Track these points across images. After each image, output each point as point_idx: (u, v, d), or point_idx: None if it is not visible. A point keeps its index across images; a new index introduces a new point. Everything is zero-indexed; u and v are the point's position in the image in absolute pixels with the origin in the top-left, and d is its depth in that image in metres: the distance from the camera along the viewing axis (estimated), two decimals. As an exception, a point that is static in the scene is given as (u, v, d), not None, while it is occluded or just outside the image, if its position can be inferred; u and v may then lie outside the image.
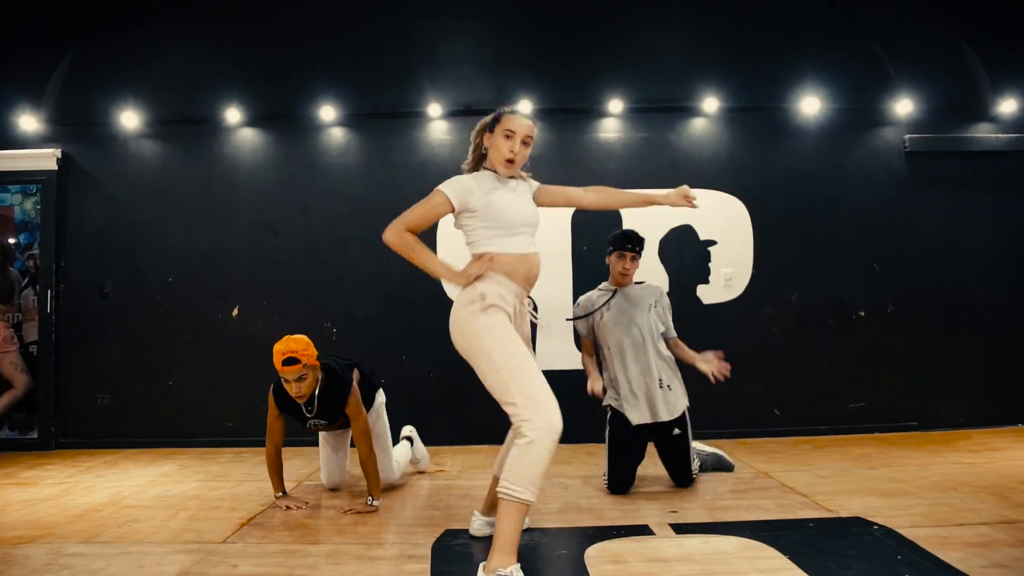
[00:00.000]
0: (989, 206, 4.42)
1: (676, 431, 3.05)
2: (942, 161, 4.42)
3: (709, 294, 4.33)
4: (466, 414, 4.06)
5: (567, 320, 3.20)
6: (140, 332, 4.38)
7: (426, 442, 3.59)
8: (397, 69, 4.42)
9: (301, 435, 3.20)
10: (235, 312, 4.37)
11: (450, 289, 4.08)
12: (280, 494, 2.90)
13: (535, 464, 1.94)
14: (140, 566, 2.22)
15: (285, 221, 4.40)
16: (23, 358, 4.42)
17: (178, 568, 2.20)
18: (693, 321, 4.08)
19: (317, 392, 2.79)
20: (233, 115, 4.40)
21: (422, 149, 4.40)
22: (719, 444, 3.72)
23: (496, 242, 2.17)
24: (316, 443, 3.22)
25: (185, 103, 4.43)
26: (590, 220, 4.20)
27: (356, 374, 2.95)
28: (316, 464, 3.47)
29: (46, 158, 4.40)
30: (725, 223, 4.35)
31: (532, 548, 2.30)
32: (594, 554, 2.25)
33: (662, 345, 3.12)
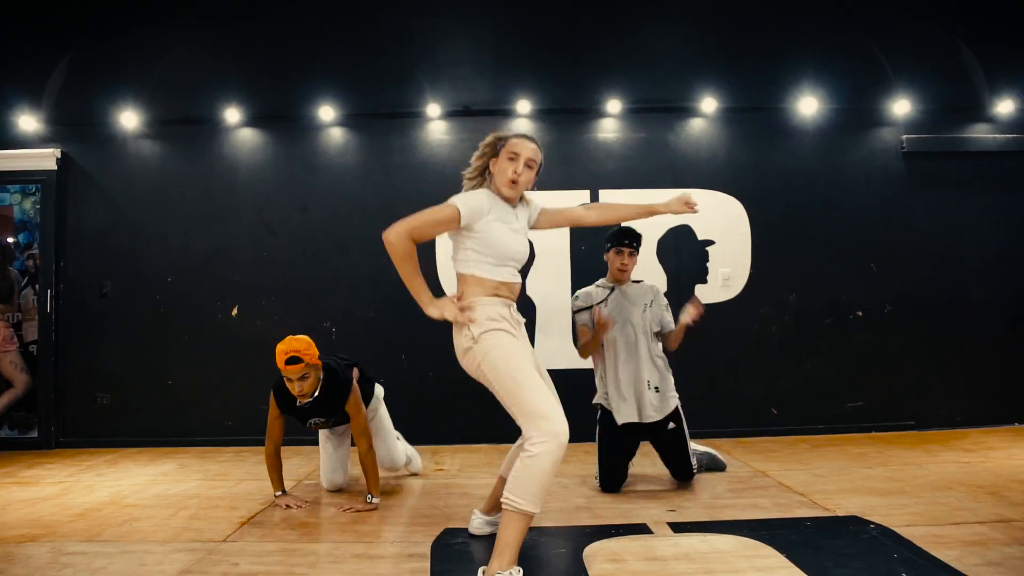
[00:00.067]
0: (986, 206, 4.44)
1: (671, 425, 3.07)
2: (939, 161, 4.43)
3: (707, 294, 4.34)
4: (465, 413, 4.07)
5: (573, 311, 3.18)
6: (140, 332, 4.38)
7: (426, 441, 3.61)
8: (396, 69, 4.42)
9: (300, 434, 3.21)
10: (235, 312, 4.38)
11: (449, 285, 4.10)
12: (279, 493, 2.92)
13: (539, 477, 1.95)
14: (142, 565, 2.23)
15: (284, 221, 4.41)
16: (23, 357, 4.42)
17: (179, 567, 2.21)
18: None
19: (318, 391, 2.81)
20: (232, 115, 4.40)
21: (421, 149, 4.41)
22: (717, 443, 3.75)
23: (483, 268, 2.18)
24: (316, 442, 3.24)
25: (184, 103, 4.43)
26: (589, 220, 4.21)
27: (355, 373, 2.98)
28: (315, 463, 3.49)
29: (46, 158, 4.40)
30: (723, 223, 4.36)
31: (531, 547, 2.31)
32: (592, 553, 2.27)
33: (656, 345, 3.13)
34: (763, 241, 4.37)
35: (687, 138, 4.46)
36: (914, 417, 4.33)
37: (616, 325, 3.06)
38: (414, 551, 2.32)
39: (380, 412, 3.19)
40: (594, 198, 4.35)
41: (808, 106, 4.39)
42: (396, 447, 3.22)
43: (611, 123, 4.44)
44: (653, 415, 3.02)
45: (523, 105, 4.36)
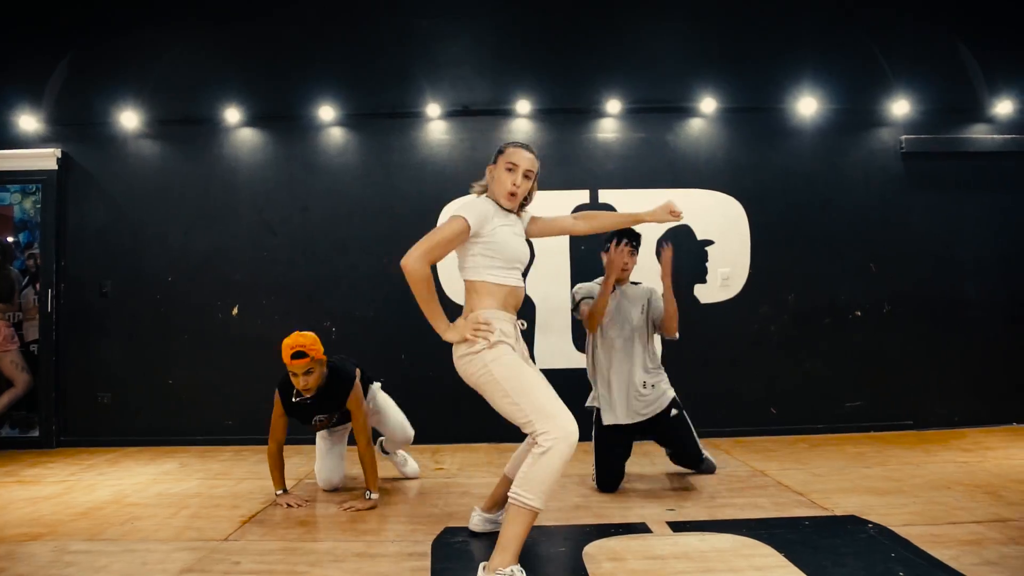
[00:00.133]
0: (985, 207, 4.45)
1: (673, 412, 3.08)
2: (938, 162, 4.44)
3: (706, 294, 4.35)
4: (465, 412, 4.07)
5: (575, 306, 3.18)
6: (140, 331, 4.39)
7: (426, 441, 3.62)
8: (396, 69, 4.43)
9: (301, 434, 3.22)
10: (235, 311, 4.39)
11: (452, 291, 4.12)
12: (281, 492, 2.93)
13: (548, 472, 1.98)
14: (144, 563, 2.25)
15: (284, 221, 4.42)
16: (24, 357, 4.43)
17: (181, 565, 2.22)
18: (690, 320, 4.10)
19: (322, 386, 2.85)
20: (232, 115, 4.41)
21: (421, 149, 4.41)
22: (717, 443, 3.76)
23: (493, 273, 2.20)
24: (315, 442, 3.25)
25: (184, 103, 4.44)
26: (588, 220, 4.22)
27: (357, 372, 3.01)
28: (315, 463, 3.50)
29: (46, 158, 4.40)
30: (722, 223, 4.37)
31: (531, 546, 2.31)
32: (592, 552, 2.28)
33: (651, 346, 3.15)
34: (762, 241, 4.38)
35: (686, 138, 4.46)
36: (912, 417, 4.34)
37: (616, 325, 3.07)
38: (415, 550, 2.33)
39: (379, 398, 3.25)
40: (594, 198, 4.36)
41: (807, 106, 4.40)
42: (405, 421, 3.29)
43: (611, 123, 4.45)
44: (646, 412, 3.04)
45: (523, 105, 4.37)
